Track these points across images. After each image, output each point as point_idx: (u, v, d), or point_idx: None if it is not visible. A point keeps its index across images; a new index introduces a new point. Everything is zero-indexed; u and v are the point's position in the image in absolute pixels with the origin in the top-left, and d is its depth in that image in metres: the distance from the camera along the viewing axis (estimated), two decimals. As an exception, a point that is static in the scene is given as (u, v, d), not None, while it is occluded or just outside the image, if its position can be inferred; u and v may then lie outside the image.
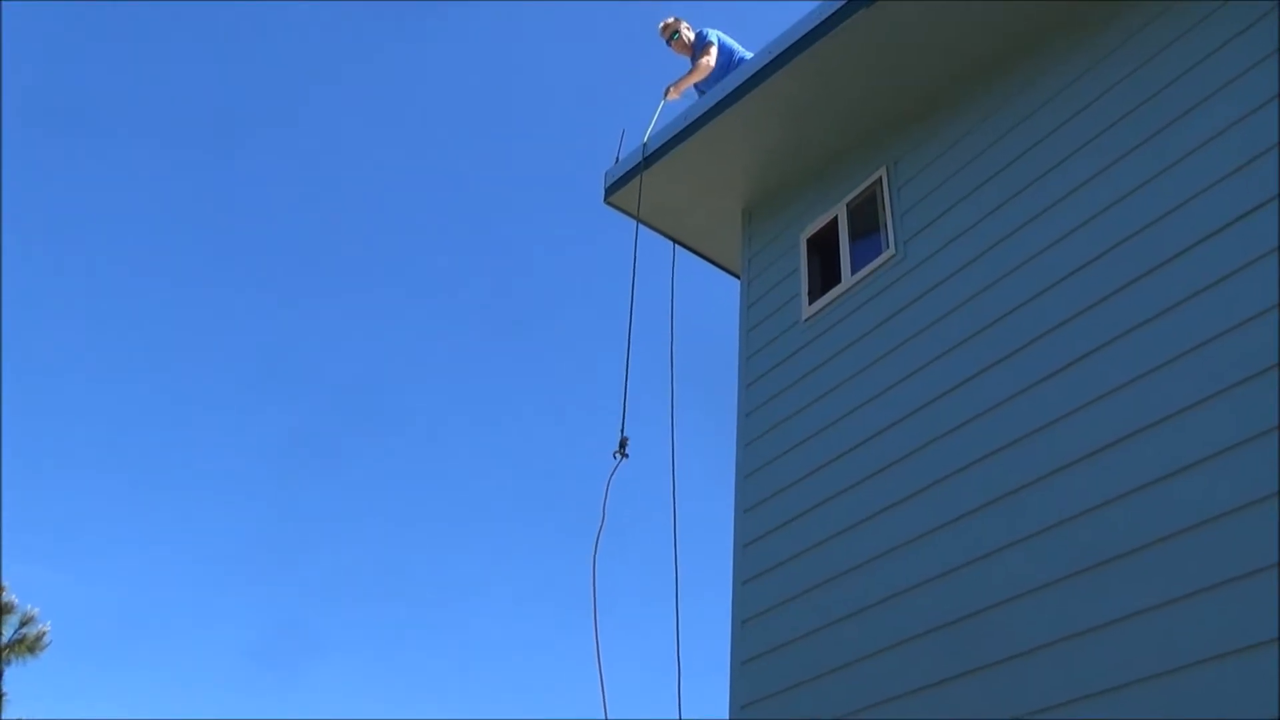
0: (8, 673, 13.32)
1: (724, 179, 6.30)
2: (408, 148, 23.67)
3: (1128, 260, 4.05)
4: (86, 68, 22.84)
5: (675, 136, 6.13)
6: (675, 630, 4.76)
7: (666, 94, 6.84)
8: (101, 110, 23.51)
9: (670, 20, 7.28)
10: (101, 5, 20.90)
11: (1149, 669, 3.26)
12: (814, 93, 5.67)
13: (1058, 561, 3.69)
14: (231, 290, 25.97)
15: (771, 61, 5.61)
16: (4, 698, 13.24)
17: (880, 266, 5.23)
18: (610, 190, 6.50)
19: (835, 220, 5.75)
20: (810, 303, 5.53)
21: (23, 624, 13.63)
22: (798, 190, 6.16)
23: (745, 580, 4.98)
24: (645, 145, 6.31)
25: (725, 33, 7.07)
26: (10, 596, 13.62)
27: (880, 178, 5.57)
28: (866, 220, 5.58)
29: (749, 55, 6.65)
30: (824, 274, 5.69)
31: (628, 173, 6.37)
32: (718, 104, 5.90)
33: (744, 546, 5.09)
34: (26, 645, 13.50)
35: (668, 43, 7.29)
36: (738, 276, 6.65)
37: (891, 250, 5.20)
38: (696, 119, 6.02)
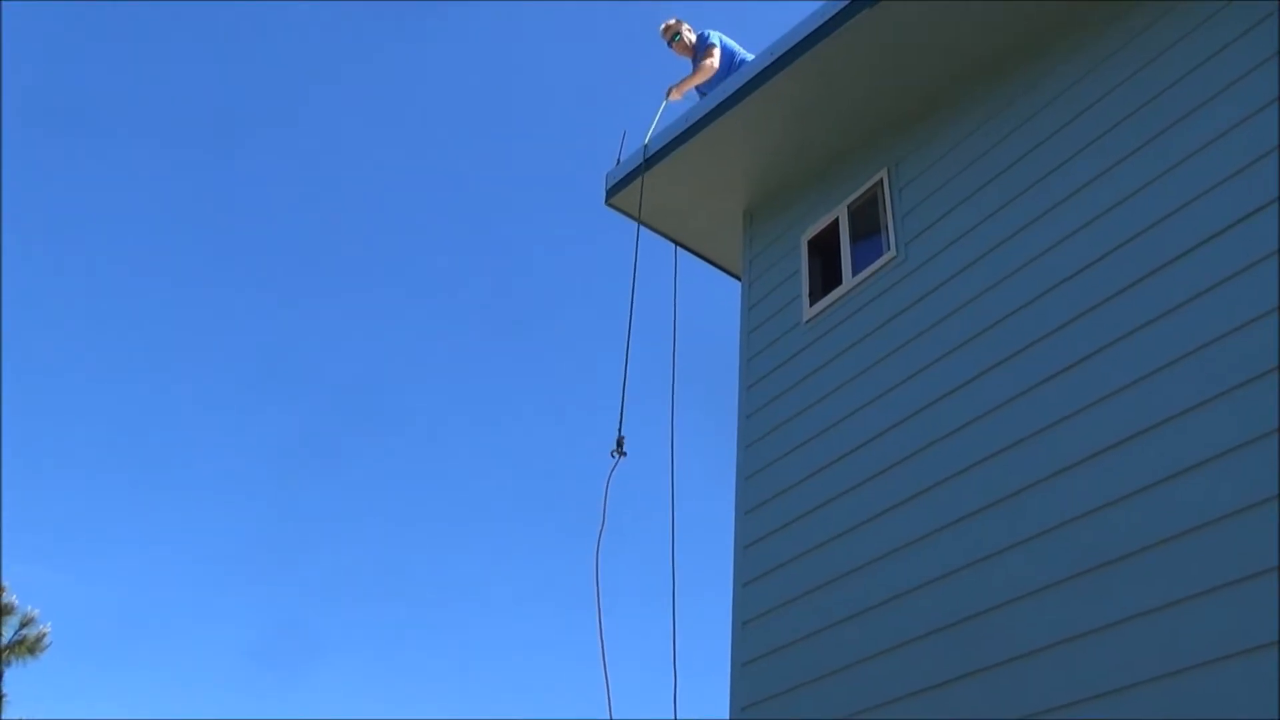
0: (8, 674, 13.32)
1: (725, 180, 6.30)
2: (408, 148, 23.69)
3: (1129, 262, 4.05)
4: (86, 68, 22.86)
5: (677, 138, 6.13)
6: (672, 632, 4.76)
7: (668, 95, 6.85)
8: (101, 110, 23.53)
9: (671, 22, 7.28)
10: (101, 5, 20.93)
11: (1150, 671, 3.26)
12: (816, 94, 5.67)
13: (1059, 563, 3.69)
14: (231, 290, 26.00)
15: (774, 63, 5.61)
16: (4, 699, 13.24)
17: (881, 268, 5.23)
18: (611, 192, 6.50)
19: (836, 222, 5.75)
20: (811, 304, 5.53)
21: (23, 625, 13.64)
22: (799, 192, 6.16)
23: (746, 582, 4.97)
24: (646, 147, 6.31)
25: (726, 34, 7.08)
26: (11, 597, 13.63)
27: (881, 179, 5.57)
28: (867, 222, 5.58)
29: (750, 57, 6.65)
30: (825, 276, 5.69)
31: (629, 174, 6.37)
32: (719, 105, 5.90)
33: (745, 548, 5.09)
34: (27, 646, 13.50)
35: (669, 44, 7.29)
36: (738, 278, 6.65)
37: (893, 252, 5.20)
38: (698, 120, 6.02)
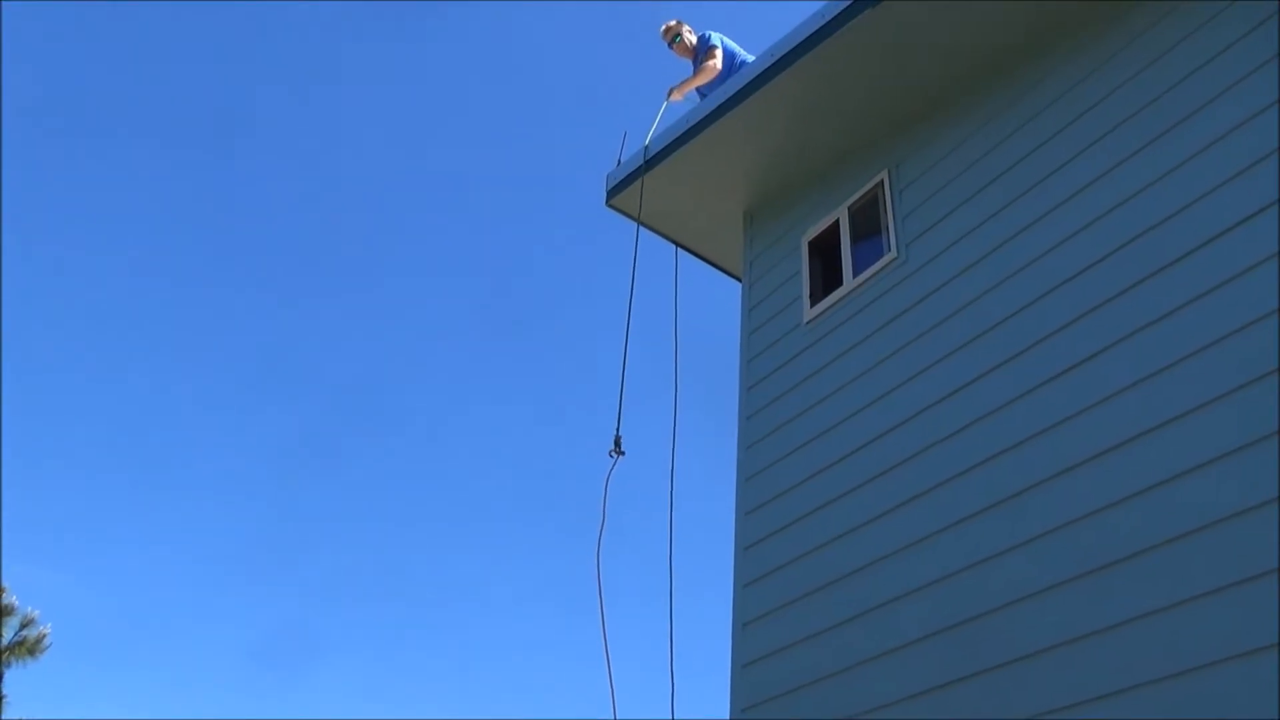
0: (8, 675, 13.32)
1: (725, 182, 6.30)
2: (408, 148, 23.69)
3: (1130, 263, 4.05)
4: (86, 68, 22.87)
5: (677, 139, 6.13)
6: (669, 632, 4.76)
7: (669, 96, 6.84)
8: (101, 110, 23.54)
9: (672, 23, 7.27)
10: (101, 5, 20.93)
11: (1151, 673, 3.26)
12: (817, 95, 5.67)
13: (1060, 565, 3.69)
14: (231, 290, 26.01)
15: (775, 63, 5.60)
16: (4, 700, 13.23)
17: (882, 269, 5.23)
18: (612, 193, 6.50)
19: (837, 223, 5.75)
20: (812, 305, 5.53)
21: (23, 626, 13.64)
22: (799, 193, 6.16)
23: (746, 583, 4.97)
24: (647, 148, 6.31)
25: (727, 35, 7.07)
26: (11, 598, 13.63)
27: (882, 180, 5.56)
28: (868, 223, 5.58)
29: (750, 59, 6.65)
30: (825, 277, 5.68)
31: (629, 175, 6.37)
32: (720, 106, 5.90)
33: (745, 549, 5.09)
34: (27, 648, 13.50)
35: (669, 45, 7.28)
36: (739, 279, 6.65)
37: (893, 253, 5.20)
38: (698, 122, 6.02)
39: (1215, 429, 3.46)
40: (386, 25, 21.85)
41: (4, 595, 13.55)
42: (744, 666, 4.73)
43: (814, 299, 5.56)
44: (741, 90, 5.78)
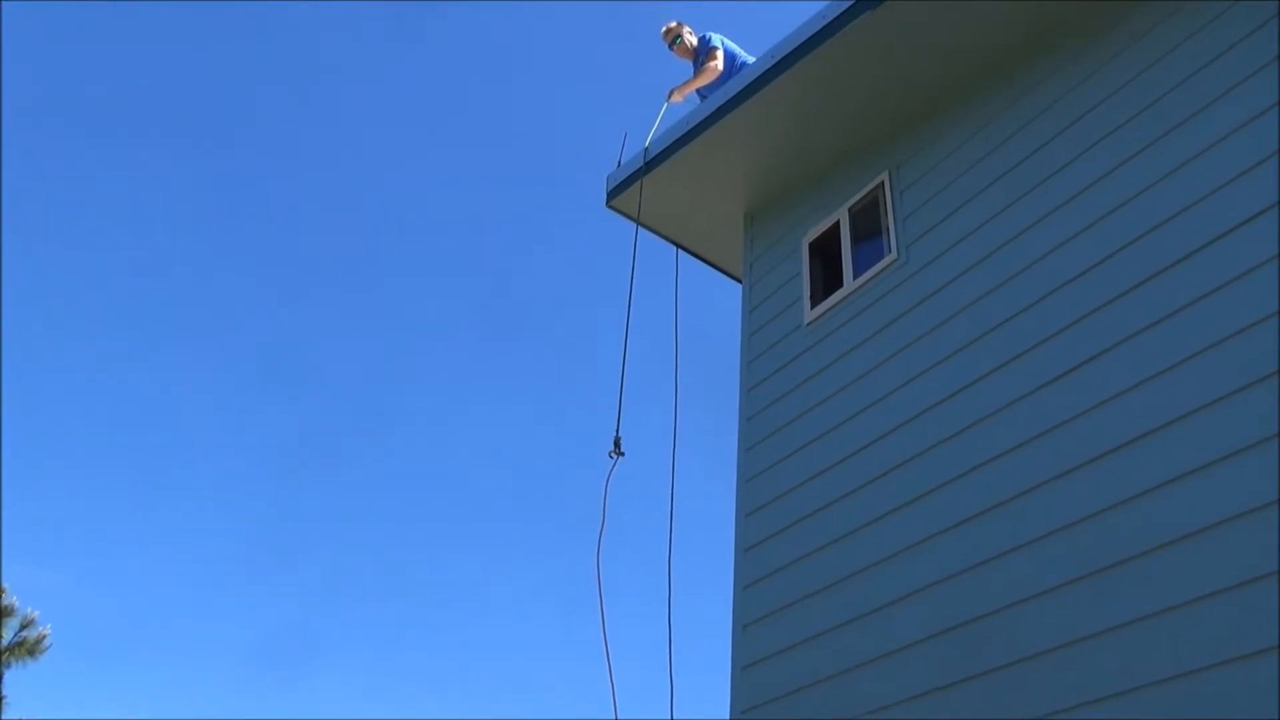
0: (8, 675, 13.32)
1: (726, 183, 6.30)
2: (408, 147, 23.70)
3: (1131, 265, 4.04)
4: (86, 68, 22.87)
5: (677, 140, 6.13)
6: (668, 632, 4.75)
7: (670, 98, 6.84)
8: (101, 110, 23.55)
9: (673, 24, 7.27)
10: (101, 5, 20.94)
11: (1152, 675, 3.25)
12: (818, 96, 5.67)
13: (1061, 566, 3.68)
14: (231, 290, 26.02)
15: (775, 64, 5.60)
16: (4, 700, 13.23)
17: (882, 271, 5.23)
18: (612, 194, 6.50)
19: (837, 224, 5.75)
20: (812, 307, 5.53)
21: (23, 627, 13.64)
22: (800, 194, 6.16)
23: (746, 585, 4.96)
24: (647, 149, 6.31)
25: (727, 37, 7.07)
26: (11, 599, 13.63)
27: (883, 181, 5.56)
28: (869, 224, 5.58)
29: (750, 60, 6.65)
30: (826, 278, 5.68)
31: (629, 176, 6.37)
32: (720, 108, 5.90)
33: (745, 551, 5.08)
34: (27, 648, 13.50)
35: (670, 47, 7.28)
36: (739, 281, 6.65)
37: (894, 255, 5.20)
38: (699, 123, 6.02)
39: (1216, 431, 3.45)
40: (386, 25, 21.87)
41: (4, 595, 13.55)
42: (744, 668, 4.72)
43: (814, 300, 5.56)
44: (742, 92, 5.78)
